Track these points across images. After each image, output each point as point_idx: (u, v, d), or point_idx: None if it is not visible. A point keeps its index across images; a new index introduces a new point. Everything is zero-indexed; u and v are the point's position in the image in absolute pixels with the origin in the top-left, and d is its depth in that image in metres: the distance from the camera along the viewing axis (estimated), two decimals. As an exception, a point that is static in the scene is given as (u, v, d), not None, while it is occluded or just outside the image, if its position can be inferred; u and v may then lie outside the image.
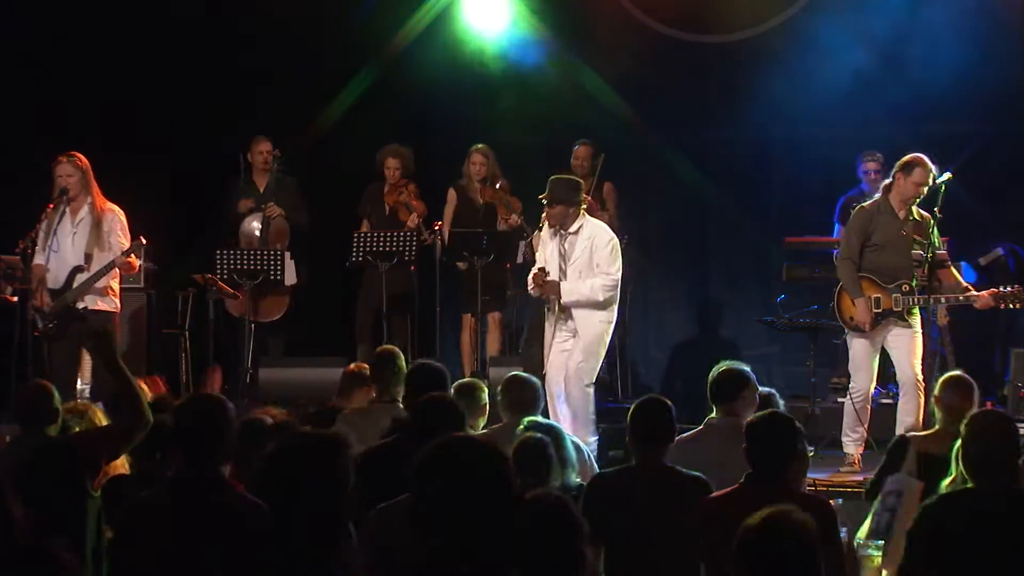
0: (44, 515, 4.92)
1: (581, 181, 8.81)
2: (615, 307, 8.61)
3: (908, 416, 8.19)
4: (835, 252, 9.17)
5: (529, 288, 8.72)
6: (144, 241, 9.06)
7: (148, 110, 10.97)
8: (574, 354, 8.49)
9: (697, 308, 11.83)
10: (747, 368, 6.46)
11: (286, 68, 11.22)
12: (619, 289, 8.60)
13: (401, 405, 6.84)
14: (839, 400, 9.62)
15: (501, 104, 11.16)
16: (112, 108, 10.76)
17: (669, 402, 5.63)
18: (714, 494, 5.11)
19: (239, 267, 10.20)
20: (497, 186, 10.57)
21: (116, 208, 9.09)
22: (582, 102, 11.04)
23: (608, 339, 8.62)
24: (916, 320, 8.35)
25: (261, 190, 10.85)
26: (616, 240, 8.63)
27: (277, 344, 10.93)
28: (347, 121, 11.36)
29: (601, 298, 8.43)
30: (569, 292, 8.45)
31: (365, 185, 10.94)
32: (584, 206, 8.64)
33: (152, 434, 5.73)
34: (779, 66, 10.80)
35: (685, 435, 6.27)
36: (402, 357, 7.19)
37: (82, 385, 9.24)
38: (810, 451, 5.75)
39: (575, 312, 8.50)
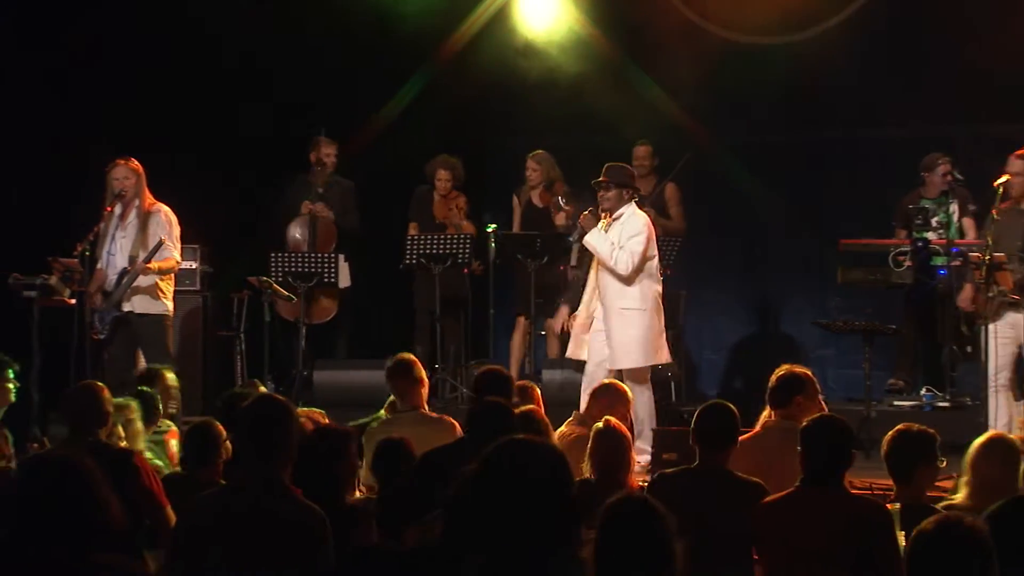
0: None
1: (633, 171, 8.97)
2: (646, 296, 8.64)
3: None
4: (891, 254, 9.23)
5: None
6: (164, 240, 9.14)
7: (204, 111, 11.07)
8: (605, 340, 8.62)
9: (752, 311, 11.84)
10: (808, 372, 6.49)
11: (342, 69, 11.29)
12: (656, 281, 8.70)
13: (425, 409, 7.04)
14: (895, 403, 9.63)
15: (557, 107, 11.20)
16: (168, 111, 10.86)
17: (733, 407, 5.66)
18: (769, 498, 5.13)
19: (294, 269, 10.34)
20: (559, 191, 10.62)
21: (164, 207, 9.25)
22: (636, 105, 11.07)
23: (642, 332, 8.60)
24: None
25: (320, 192, 10.99)
26: (648, 232, 8.70)
27: (333, 346, 11.05)
28: (399, 124, 11.44)
29: (612, 264, 8.55)
30: (596, 237, 8.64)
31: (414, 188, 11.06)
32: (635, 196, 8.78)
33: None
34: (835, 66, 10.80)
35: (741, 438, 6.29)
36: (419, 365, 7.27)
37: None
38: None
39: (604, 297, 8.63)
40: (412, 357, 7.38)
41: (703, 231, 11.22)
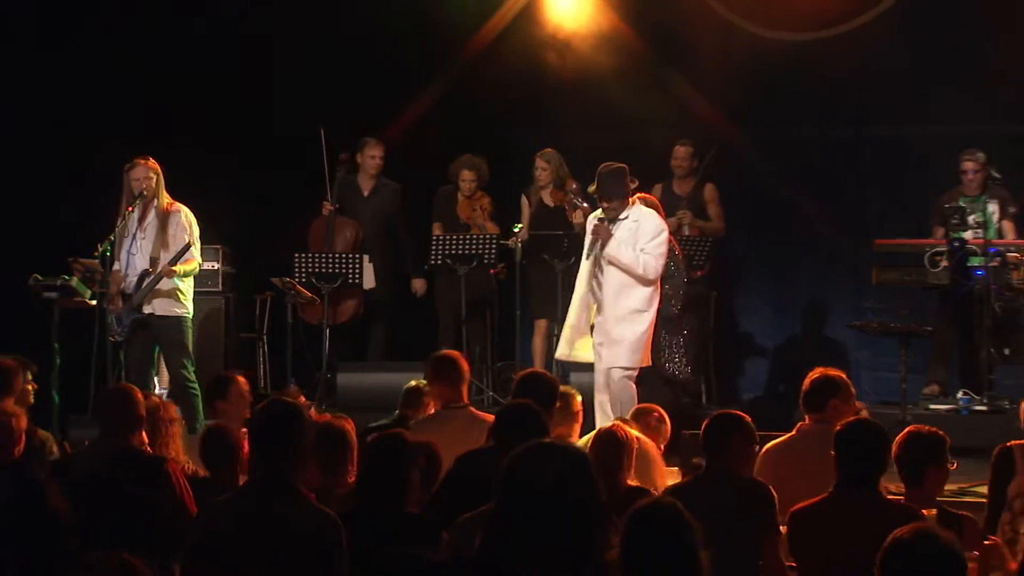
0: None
1: (624, 166, 8.60)
2: (652, 298, 8.50)
3: None
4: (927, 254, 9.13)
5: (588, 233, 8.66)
6: (188, 242, 9.09)
7: (221, 111, 11.07)
8: (604, 339, 8.47)
9: (784, 312, 11.73)
10: (843, 375, 6.41)
11: (364, 68, 11.26)
12: (659, 284, 8.54)
13: (471, 410, 6.94)
14: (931, 407, 9.52)
15: (580, 105, 11.13)
16: (185, 110, 10.84)
17: (742, 415, 5.59)
18: (804, 503, 5.07)
19: (317, 270, 10.29)
20: (570, 188, 10.52)
21: (183, 207, 9.20)
22: (665, 102, 10.99)
23: (644, 333, 8.44)
24: None
25: (366, 194, 10.95)
26: (666, 232, 8.59)
27: (356, 349, 11.00)
28: (424, 122, 11.39)
29: (641, 271, 8.36)
30: (616, 248, 8.42)
31: (437, 188, 11.02)
32: (634, 194, 8.59)
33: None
34: (869, 63, 10.70)
35: (775, 442, 6.30)
36: (463, 362, 7.18)
37: (160, 389, 9.36)
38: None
39: (604, 298, 8.46)
40: (455, 352, 7.34)
41: (734, 230, 11.11)
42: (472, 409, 6.95)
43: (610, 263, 8.45)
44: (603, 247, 8.45)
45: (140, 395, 5.96)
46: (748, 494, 5.25)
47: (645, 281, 8.44)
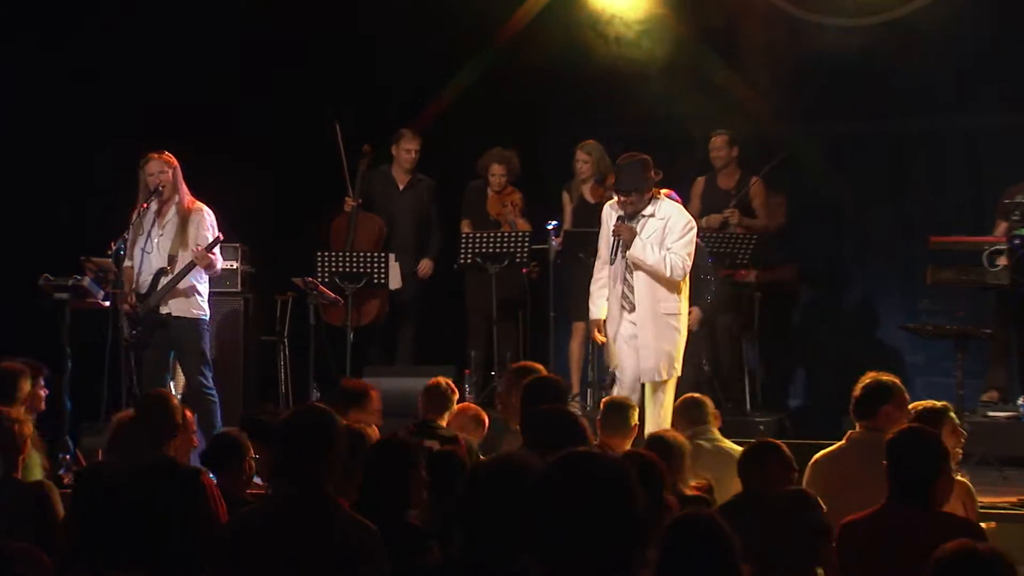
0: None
1: (647, 158, 8.46)
2: (683, 303, 8.44)
3: None
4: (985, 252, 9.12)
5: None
6: (221, 236, 9.12)
7: (241, 104, 11.12)
8: (640, 350, 8.38)
9: (833, 313, 11.70)
10: (896, 380, 6.40)
11: (390, 54, 11.29)
12: (688, 285, 8.49)
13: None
14: (990, 414, 9.49)
15: (621, 95, 11.11)
16: (202, 105, 10.90)
17: (778, 444, 5.68)
18: (855, 515, 5.05)
19: (341, 270, 10.32)
20: (612, 183, 10.50)
21: (204, 207, 9.18)
22: (711, 93, 10.97)
23: (680, 337, 8.42)
24: None
25: (401, 188, 10.99)
26: (695, 229, 8.50)
27: (381, 352, 11.03)
28: (455, 113, 11.40)
29: (668, 273, 8.23)
30: (641, 248, 8.26)
31: (468, 182, 11.04)
32: (657, 186, 8.47)
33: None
34: (922, 51, 10.66)
35: (824, 452, 6.29)
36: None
37: (175, 394, 9.38)
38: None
39: (638, 301, 8.37)
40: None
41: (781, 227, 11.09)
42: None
43: (635, 265, 8.36)
44: (626, 248, 8.34)
45: (176, 402, 5.97)
46: (796, 507, 5.24)
47: (674, 283, 8.36)
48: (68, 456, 8.57)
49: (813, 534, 5.09)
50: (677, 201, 9.01)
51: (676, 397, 8.13)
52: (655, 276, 8.31)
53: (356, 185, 10.83)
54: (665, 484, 5.25)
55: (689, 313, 8.81)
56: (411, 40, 11.20)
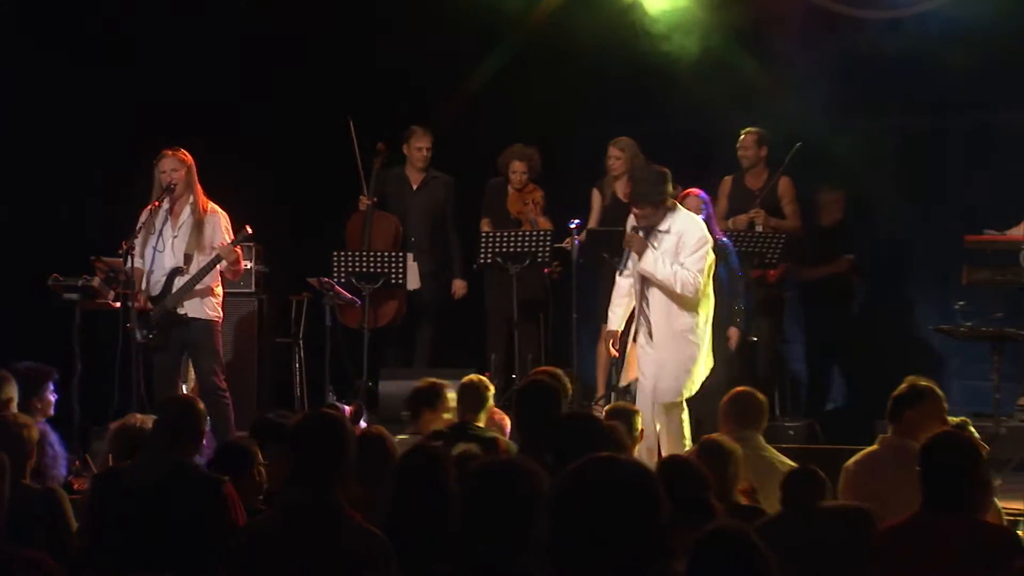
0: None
1: (666, 171, 8.43)
2: (700, 318, 8.39)
3: None
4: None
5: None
6: (250, 230, 9.08)
7: (254, 100, 11.14)
8: (656, 368, 8.34)
9: (864, 315, 11.64)
10: (929, 385, 6.38)
11: (407, 48, 11.29)
12: (705, 300, 8.41)
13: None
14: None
15: (653, 88, 11.06)
16: (215, 102, 10.92)
17: (815, 472, 5.58)
18: (887, 523, 5.04)
19: (358, 270, 10.30)
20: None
21: (219, 209, 9.19)
22: (736, 85, 10.93)
23: (700, 355, 8.38)
24: None
25: (415, 187, 10.97)
26: (710, 242, 8.44)
27: (400, 354, 11.02)
28: (476, 107, 11.37)
29: (678, 288, 8.17)
30: (652, 261, 8.22)
31: (489, 178, 11.01)
32: (672, 197, 8.44)
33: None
34: (957, 42, 10.60)
35: (856, 457, 6.30)
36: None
37: (187, 397, 9.39)
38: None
39: (654, 319, 8.34)
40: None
41: (811, 225, 11.05)
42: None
43: (645, 278, 8.31)
44: (639, 259, 8.30)
45: (203, 407, 5.93)
46: (844, 520, 5.22)
47: (688, 300, 8.29)
48: (78, 462, 8.57)
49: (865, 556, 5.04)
50: (705, 201, 8.98)
51: (711, 399, 8.10)
52: (668, 293, 8.27)
53: (371, 184, 10.81)
54: (709, 489, 5.23)
55: (727, 337, 9.01)
56: (429, 32, 11.16)
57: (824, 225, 10.92)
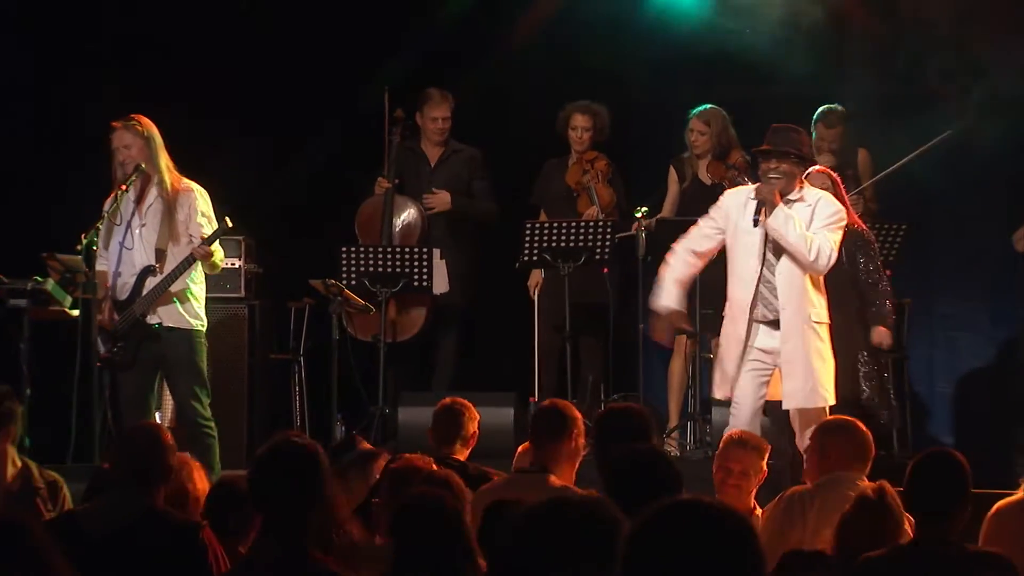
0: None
1: (805, 132, 8.61)
2: (825, 309, 8.43)
3: None
4: None
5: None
6: (230, 223, 9.06)
7: (247, 69, 11.23)
8: (785, 367, 8.33)
9: (1001, 327, 11.60)
10: None
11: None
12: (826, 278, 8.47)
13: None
14: None
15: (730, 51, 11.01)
16: (209, 73, 11.11)
17: (962, 459, 5.53)
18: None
19: (373, 269, 10.24)
20: (734, 161, 10.39)
21: (194, 185, 9.10)
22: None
23: (831, 356, 8.41)
24: None
25: (432, 164, 10.93)
26: (844, 219, 8.50)
27: (423, 374, 10.97)
28: (516, 70, 11.33)
29: (812, 255, 8.17)
30: (784, 219, 8.20)
31: (543, 158, 10.96)
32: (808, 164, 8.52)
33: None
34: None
35: (1006, 501, 6.28)
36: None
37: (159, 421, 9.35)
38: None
39: (781, 301, 8.31)
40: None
41: (928, 217, 11.01)
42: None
43: (774, 238, 8.26)
44: (768, 214, 8.25)
45: (170, 438, 5.96)
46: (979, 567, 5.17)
47: (819, 283, 8.33)
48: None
49: None
50: (835, 180, 8.93)
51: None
52: (800, 266, 8.24)
53: (390, 163, 10.74)
54: None
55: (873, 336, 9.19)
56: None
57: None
